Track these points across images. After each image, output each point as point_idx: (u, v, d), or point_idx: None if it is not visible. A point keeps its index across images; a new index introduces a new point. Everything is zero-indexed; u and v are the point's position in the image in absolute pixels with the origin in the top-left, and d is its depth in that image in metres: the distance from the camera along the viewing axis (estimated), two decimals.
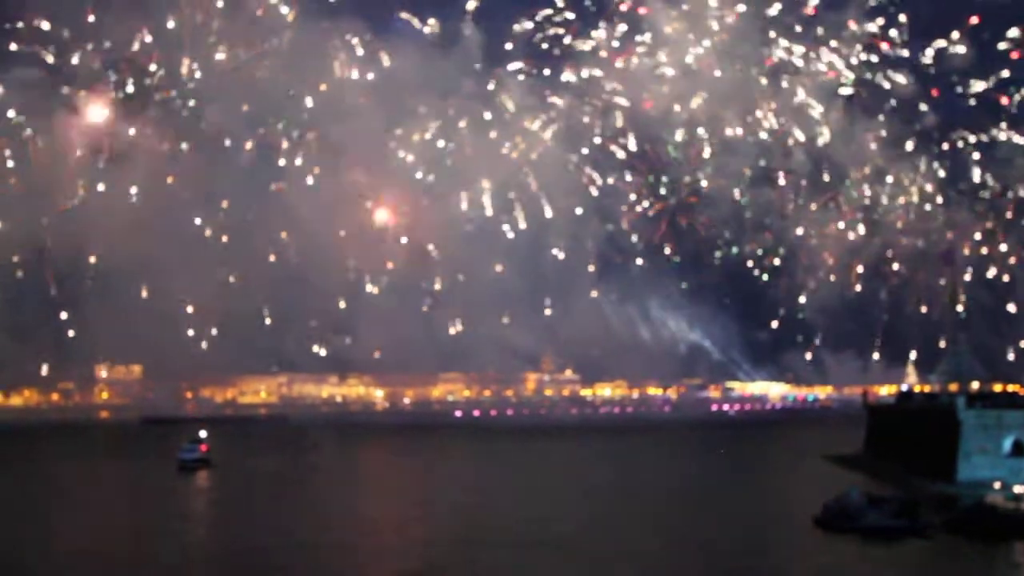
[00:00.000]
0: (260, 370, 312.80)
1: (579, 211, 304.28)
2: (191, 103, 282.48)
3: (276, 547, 73.04)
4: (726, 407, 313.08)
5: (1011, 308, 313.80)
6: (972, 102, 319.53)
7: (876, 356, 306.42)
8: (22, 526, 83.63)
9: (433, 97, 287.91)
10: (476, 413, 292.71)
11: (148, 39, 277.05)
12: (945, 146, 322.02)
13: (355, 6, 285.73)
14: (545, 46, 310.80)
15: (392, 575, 65.26)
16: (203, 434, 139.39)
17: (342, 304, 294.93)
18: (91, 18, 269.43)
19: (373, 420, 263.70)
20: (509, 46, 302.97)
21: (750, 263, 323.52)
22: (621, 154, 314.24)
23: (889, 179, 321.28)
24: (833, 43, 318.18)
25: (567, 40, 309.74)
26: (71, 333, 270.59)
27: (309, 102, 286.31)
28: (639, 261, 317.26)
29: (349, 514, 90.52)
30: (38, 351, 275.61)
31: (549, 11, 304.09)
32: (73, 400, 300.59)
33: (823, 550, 71.75)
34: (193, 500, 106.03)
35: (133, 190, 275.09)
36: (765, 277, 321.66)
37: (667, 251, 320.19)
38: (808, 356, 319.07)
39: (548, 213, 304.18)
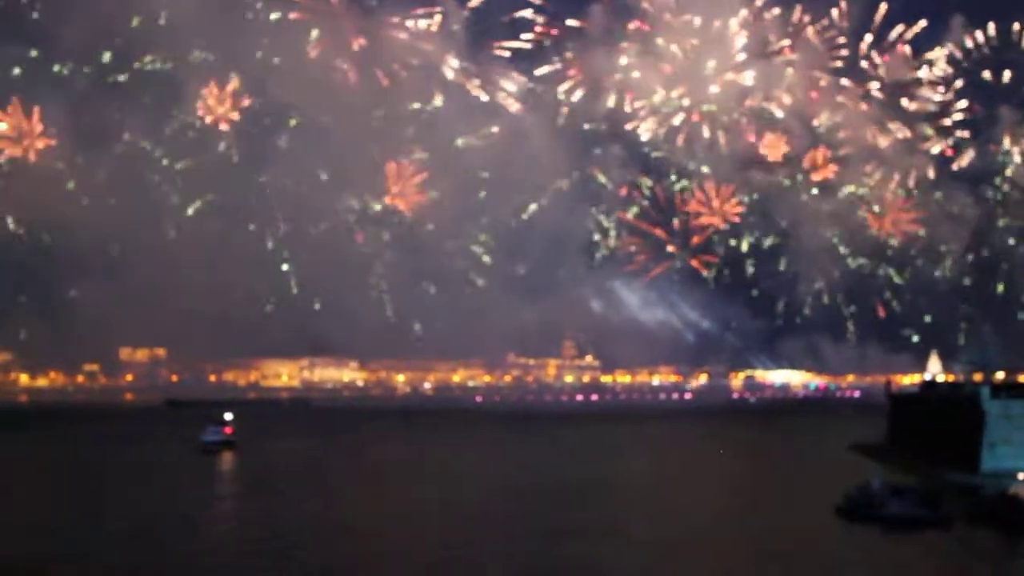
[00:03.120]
0: (282, 353, 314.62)
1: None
2: None
3: (303, 529, 73.80)
4: (748, 395, 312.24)
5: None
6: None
7: (875, 344, 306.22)
8: (61, 509, 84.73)
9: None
10: (497, 399, 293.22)
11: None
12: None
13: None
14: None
15: (417, 562, 65.68)
16: (228, 416, 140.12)
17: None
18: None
19: (394, 405, 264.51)
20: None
21: (747, 250, 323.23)
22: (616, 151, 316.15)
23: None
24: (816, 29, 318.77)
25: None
26: (94, 316, 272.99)
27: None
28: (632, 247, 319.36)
29: (375, 498, 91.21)
30: (63, 333, 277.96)
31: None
32: (98, 382, 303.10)
33: (844, 539, 71.94)
34: (219, 482, 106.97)
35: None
36: (769, 266, 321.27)
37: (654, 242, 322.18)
38: (808, 344, 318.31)
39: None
